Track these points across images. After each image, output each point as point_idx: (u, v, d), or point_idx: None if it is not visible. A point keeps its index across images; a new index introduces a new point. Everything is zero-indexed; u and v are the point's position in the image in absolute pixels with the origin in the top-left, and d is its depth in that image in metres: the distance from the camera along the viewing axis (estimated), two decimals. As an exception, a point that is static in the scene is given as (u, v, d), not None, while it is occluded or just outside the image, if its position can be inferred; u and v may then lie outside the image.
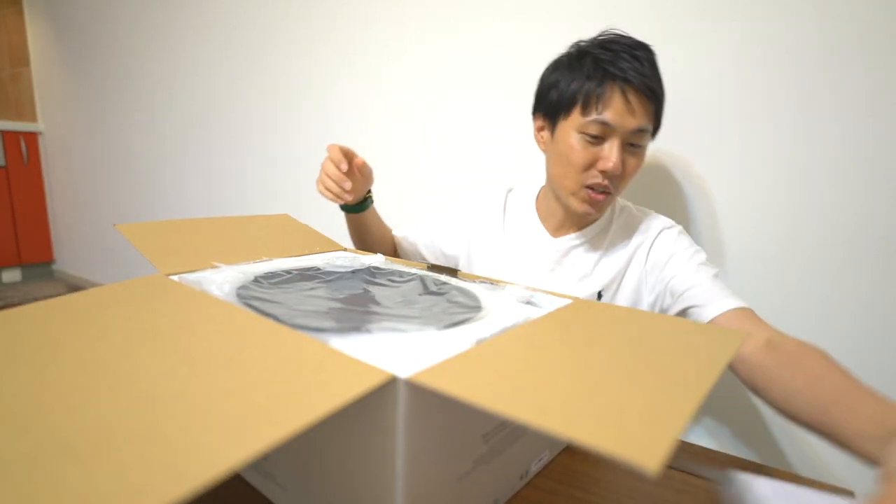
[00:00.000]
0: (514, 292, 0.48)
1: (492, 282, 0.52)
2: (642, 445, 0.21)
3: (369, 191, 0.79)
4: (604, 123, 0.64)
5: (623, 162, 0.65)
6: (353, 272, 0.55)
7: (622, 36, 0.67)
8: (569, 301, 0.46)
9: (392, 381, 0.28)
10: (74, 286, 2.68)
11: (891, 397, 0.44)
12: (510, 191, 0.85)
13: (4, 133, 2.58)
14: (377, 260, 0.60)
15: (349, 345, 0.32)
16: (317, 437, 0.33)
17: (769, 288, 0.86)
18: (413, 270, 0.56)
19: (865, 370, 0.80)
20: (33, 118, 2.75)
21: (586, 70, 0.65)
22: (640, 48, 0.65)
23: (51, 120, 2.67)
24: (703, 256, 0.69)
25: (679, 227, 0.73)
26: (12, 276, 2.73)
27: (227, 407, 0.23)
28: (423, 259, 0.89)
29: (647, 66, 0.64)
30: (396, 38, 1.32)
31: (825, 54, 0.78)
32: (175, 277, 0.47)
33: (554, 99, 0.69)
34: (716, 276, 0.67)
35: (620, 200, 0.78)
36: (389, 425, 0.29)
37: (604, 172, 0.66)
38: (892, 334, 0.78)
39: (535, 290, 0.49)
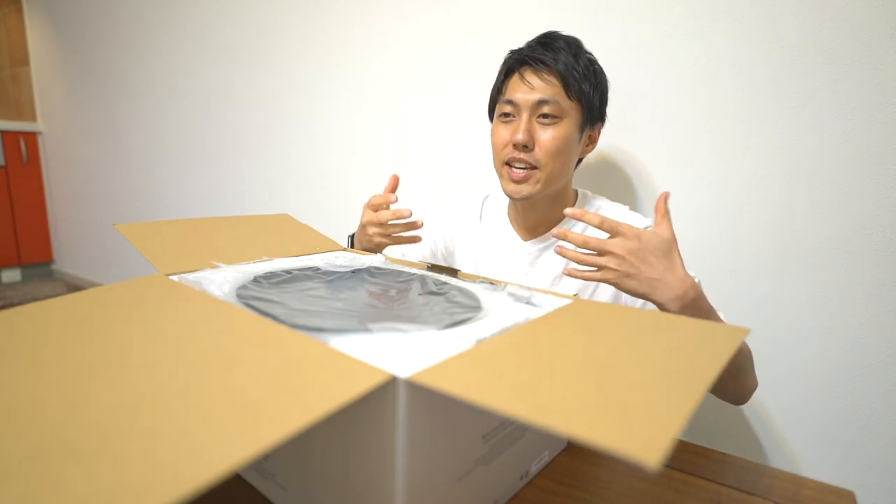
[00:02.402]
0: (515, 292, 0.48)
1: (492, 282, 0.52)
2: (642, 441, 0.21)
3: None
4: (508, 102, 0.71)
5: (533, 133, 0.69)
6: (353, 272, 0.55)
7: (544, 34, 0.73)
8: (569, 301, 0.46)
9: (392, 381, 0.28)
10: (74, 286, 2.68)
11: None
12: (486, 197, 0.87)
13: (4, 133, 2.58)
14: (377, 260, 0.60)
15: (349, 345, 0.32)
16: (317, 436, 0.33)
17: (766, 289, 0.86)
18: (413, 270, 0.56)
19: (865, 370, 0.80)
20: (33, 118, 2.75)
21: (501, 70, 0.75)
22: (551, 37, 0.71)
23: (50, 120, 2.67)
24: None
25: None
26: (12, 276, 2.73)
27: (227, 407, 0.23)
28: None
29: (552, 49, 0.69)
30: (394, 37, 1.32)
31: (825, 54, 0.78)
32: (175, 277, 0.47)
33: (490, 104, 0.78)
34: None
35: (593, 197, 0.79)
36: (389, 425, 0.29)
37: (515, 146, 0.69)
38: (891, 335, 0.78)
39: (535, 290, 0.49)
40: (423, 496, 0.31)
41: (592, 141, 0.76)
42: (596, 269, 0.54)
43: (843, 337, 0.81)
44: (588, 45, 0.74)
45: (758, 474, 0.45)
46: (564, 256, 0.55)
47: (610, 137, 0.99)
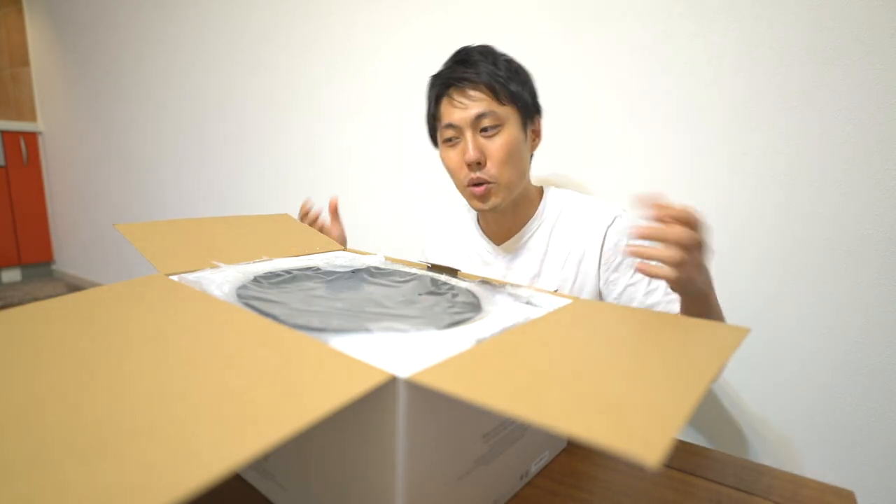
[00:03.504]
0: (514, 292, 0.48)
1: (492, 282, 0.52)
2: (642, 440, 0.21)
3: None
4: (448, 126, 0.72)
5: (481, 148, 0.69)
6: (353, 272, 0.55)
7: (456, 52, 0.74)
8: (569, 301, 0.46)
9: (392, 381, 0.28)
10: (74, 286, 2.68)
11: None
12: (458, 209, 0.89)
13: (4, 133, 2.58)
14: (377, 260, 0.60)
15: (349, 345, 0.32)
16: (317, 436, 0.33)
17: (764, 288, 0.86)
18: (413, 270, 0.56)
19: (865, 370, 0.80)
20: (33, 118, 2.75)
21: (430, 97, 0.76)
22: (465, 52, 0.72)
23: (51, 120, 2.67)
24: None
25: (628, 218, 0.73)
26: (12, 276, 2.73)
27: (227, 407, 0.23)
28: None
29: (469, 64, 0.70)
30: (395, 37, 1.32)
31: (825, 54, 0.78)
32: (175, 277, 0.47)
33: (430, 131, 0.79)
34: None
35: (557, 190, 0.79)
36: (389, 425, 0.29)
37: (468, 165, 0.70)
38: (890, 336, 0.78)
39: (535, 289, 0.49)
40: (423, 496, 0.31)
41: (537, 135, 0.77)
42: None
43: (844, 337, 0.81)
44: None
45: (758, 474, 0.45)
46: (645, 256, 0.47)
47: (610, 137, 0.99)
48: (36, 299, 0.36)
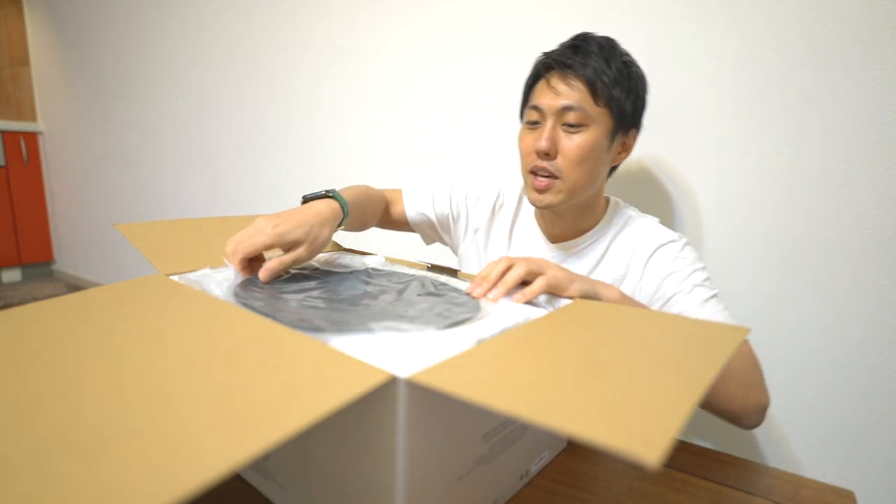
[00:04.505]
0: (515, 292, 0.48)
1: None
2: (643, 439, 0.21)
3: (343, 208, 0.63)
4: (534, 108, 0.69)
5: (557, 141, 0.67)
6: (353, 272, 0.55)
7: (576, 35, 0.70)
8: (569, 301, 0.46)
9: (392, 381, 0.28)
10: (74, 286, 2.68)
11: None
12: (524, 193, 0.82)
13: (4, 133, 2.58)
14: (377, 260, 0.60)
15: (349, 345, 0.32)
16: (317, 436, 0.33)
17: (763, 288, 0.86)
18: (413, 271, 0.56)
19: (865, 370, 0.80)
20: (33, 118, 2.75)
21: (530, 74, 0.72)
22: (583, 39, 0.68)
23: (51, 120, 2.67)
24: (701, 276, 0.66)
25: (683, 242, 0.69)
26: (12, 276, 2.73)
27: (228, 407, 0.23)
28: (444, 228, 0.86)
29: (581, 53, 0.67)
30: (395, 37, 1.32)
31: (826, 54, 0.78)
32: (175, 277, 0.47)
33: (521, 108, 0.75)
34: (711, 298, 0.64)
35: (624, 207, 0.76)
36: (389, 425, 0.29)
37: (537, 153, 0.68)
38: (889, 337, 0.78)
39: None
40: (423, 496, 0.31)
41: (626, 149, 0.73)
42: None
43: (845, 337, 0.81)
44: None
45: (758, 474, 0.45)
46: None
47: (610, 137, 0.99)
48: (36, 299, 0.36)
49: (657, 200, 0.95)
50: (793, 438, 0.87)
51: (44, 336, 0.32)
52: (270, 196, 1.73)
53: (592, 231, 0.74)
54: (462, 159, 1.24)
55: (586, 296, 0.49)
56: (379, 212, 0.79)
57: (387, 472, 0.29)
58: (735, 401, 0.57)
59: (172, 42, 1.94)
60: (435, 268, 0.57)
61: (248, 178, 1.79)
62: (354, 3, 1.38)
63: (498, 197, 0.82)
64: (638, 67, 0.70)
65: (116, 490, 0.17)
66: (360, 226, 0.74)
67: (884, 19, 0.74)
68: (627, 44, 0.90)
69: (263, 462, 0.39)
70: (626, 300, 0.53)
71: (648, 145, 0.95)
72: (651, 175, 0.96)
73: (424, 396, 0.29)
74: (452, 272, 0.55)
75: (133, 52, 2.11)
